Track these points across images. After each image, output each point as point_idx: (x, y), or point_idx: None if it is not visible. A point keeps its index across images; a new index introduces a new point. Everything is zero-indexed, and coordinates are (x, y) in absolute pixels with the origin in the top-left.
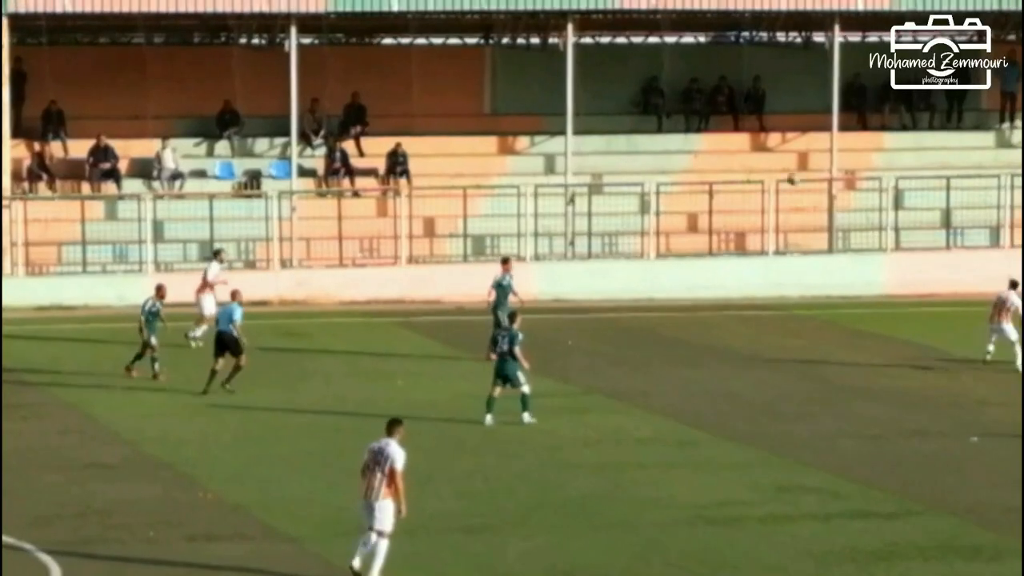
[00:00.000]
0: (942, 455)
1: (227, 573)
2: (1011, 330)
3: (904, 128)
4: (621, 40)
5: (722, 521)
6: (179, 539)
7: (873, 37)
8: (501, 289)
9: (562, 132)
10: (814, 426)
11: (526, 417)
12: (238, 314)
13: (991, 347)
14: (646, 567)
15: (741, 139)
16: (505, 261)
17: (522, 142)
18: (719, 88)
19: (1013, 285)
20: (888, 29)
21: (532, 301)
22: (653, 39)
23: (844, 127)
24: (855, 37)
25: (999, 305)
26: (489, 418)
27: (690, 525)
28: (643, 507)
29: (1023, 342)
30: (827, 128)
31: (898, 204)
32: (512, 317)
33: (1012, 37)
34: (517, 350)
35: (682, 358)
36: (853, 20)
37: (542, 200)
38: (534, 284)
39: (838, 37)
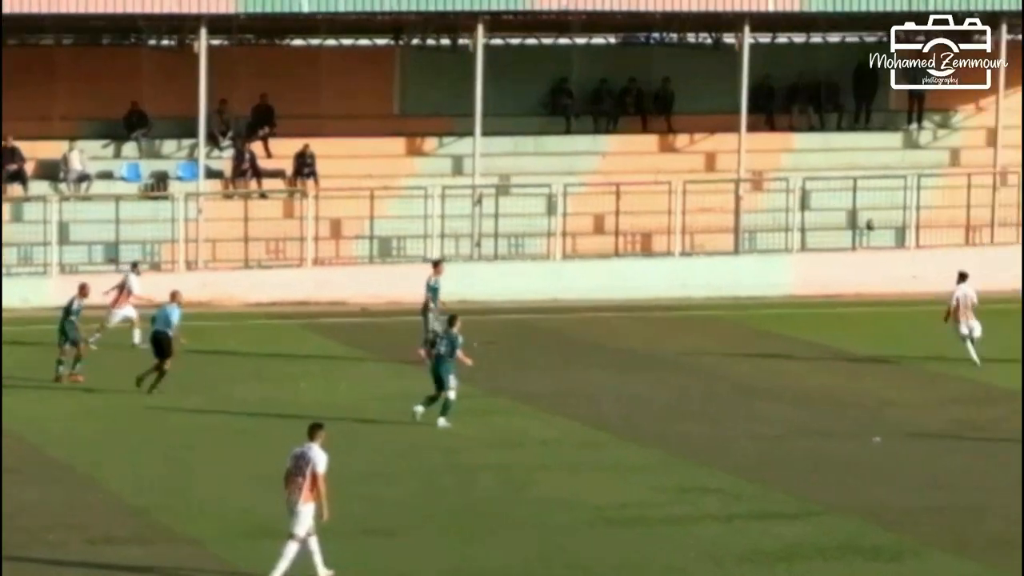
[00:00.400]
0: (844, 456)
1: (126, 575)
2: (974, 325)
3: (812, 129)
4: (531, 41)
5: (624, 522)
6: (79, 542)
7: (783, 38)
8: (434, 292)
9: (470, 133)
10: (717, 427)
11: (441, 421)
12: (176, 315)
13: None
14: (547, 569)
15: (649, 140)
16: (437, 264)
17: (430, 143)
18: (628, 89)
19: (963, 278)
20: (797, 30)
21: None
22: (563, 40)
23: (752, 128)
24: (765, 38)
25: (961, 302)
26: (420, 408)
27: (592, 527)
28: (545, 509)
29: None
30: (735, 129)
31: (805, 205)
32: (452, 320)
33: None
34: (459, 352)
35: (587, 360)
36: (763, 21)
37: (449, 201)
38: (440, 285)
39: (748, 38)
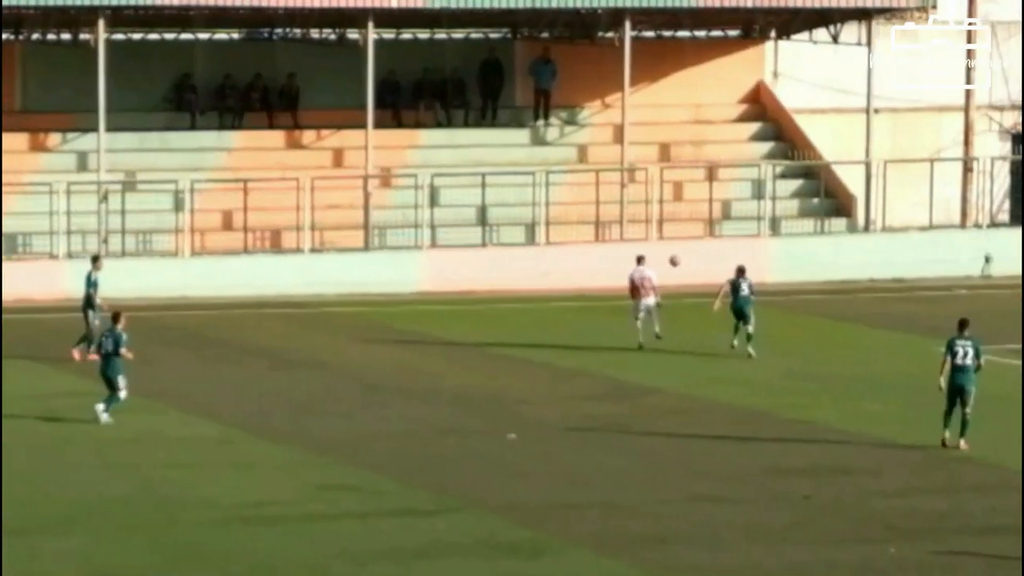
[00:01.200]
0: (480, 453)
1: None
2: (651, 302)
3: (439, 125)
4: (154, 36)
5: (260, 521)
6: None
7: (408, 35)
8: (95, 287)
9: (95, 129)
10: (353, 425)
11: (101, 411)
12: None
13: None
14: (183, 568)
15: (276, 136)
16: (96, 259)
17: (54, 139)
18: (253, 85)
19: (640, 260)
20: (422, 27)
21: (66, 300)
22: (186, 36)
23: (379, 124)
24: (389, 34)
25: (637, 281)
26: (104, 416)
27: (228, 525)
28: (181, 507)
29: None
30: (362, 125)
31: (434, 201)
32: (116, 317)
33: (545, 35)
34: (123, 350)
35: (218, 357)
36: (387, 17)
37: (75, 198)
38: (67, 283)
39: (372, 34)
